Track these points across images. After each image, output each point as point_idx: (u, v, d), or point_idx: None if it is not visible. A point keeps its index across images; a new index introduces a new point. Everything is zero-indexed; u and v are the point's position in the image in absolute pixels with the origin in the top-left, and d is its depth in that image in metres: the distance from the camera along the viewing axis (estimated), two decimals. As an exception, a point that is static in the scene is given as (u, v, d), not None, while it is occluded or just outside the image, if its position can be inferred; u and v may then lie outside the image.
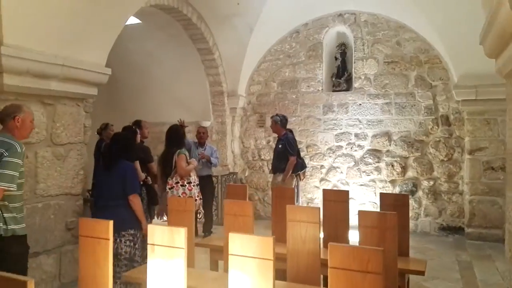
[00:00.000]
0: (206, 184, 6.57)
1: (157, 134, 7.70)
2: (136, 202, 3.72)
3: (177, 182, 4.60)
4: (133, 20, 6.89)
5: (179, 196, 4.54)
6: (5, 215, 2.91)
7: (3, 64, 3.44)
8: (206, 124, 8.33)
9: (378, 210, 7.26)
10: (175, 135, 4.87)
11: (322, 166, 7.72)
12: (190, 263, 3.44)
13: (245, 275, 2.08)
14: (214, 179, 7.49)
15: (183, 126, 5.42)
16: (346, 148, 7.53)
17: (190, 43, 7.50)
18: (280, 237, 3.29)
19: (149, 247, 2.38)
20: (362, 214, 2.93)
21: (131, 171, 3.82)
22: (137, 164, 4.67)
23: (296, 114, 7.95)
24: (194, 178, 4.75)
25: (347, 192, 4.22)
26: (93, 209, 4.19)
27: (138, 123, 5.48)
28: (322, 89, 7.77)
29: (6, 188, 2.80)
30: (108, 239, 2.50)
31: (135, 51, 7.89)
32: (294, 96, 7.99)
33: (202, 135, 6.79)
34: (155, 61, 7.97)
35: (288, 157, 6.03)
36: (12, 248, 2.95)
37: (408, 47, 7.06)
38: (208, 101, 8.23)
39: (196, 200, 4.60)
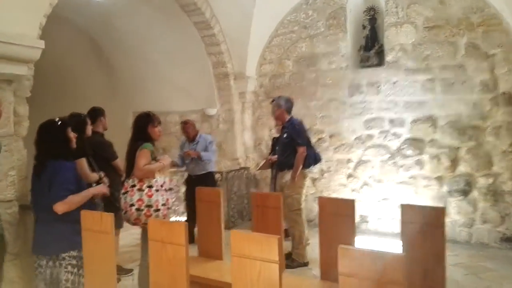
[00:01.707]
0: (204, 184, 5.52)
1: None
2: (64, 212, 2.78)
3: (133, 185, 3.48)
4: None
5: (132, 204, 3.43)
6: None
7: None
8: (212, 112, 7.28)
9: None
10: (139, 125, 3.73)
11: (349, 160, 6.49)
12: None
13: None
14: (218, 175, 6.49)
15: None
16: (378, 138, 6.25)
17: (184, 16, 6.41)
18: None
19: None
20: (343, 252, 1.75)
21: (62, 172, 2.85)
22: (82, 162, 3.69)
23: (316, 97, 6.72)
24: (162, 180, 3.64)
25: (352, 202, 3.00)
26: None
27: (95, 111, 4.52)
28: (347, 66, 6.47)
29: None
30: None
31: (124, 30, 6.86)
32: (313, 76, 6.74)
33: (186, 130, 5.76)
34: (146, 40, 6.90)
35: (296, 149, 4.85)
36: None
37: (455, 6, 5.60)
38: (212, 85, 7.14)
39: (158, 209, 3.48)
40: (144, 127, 3.67)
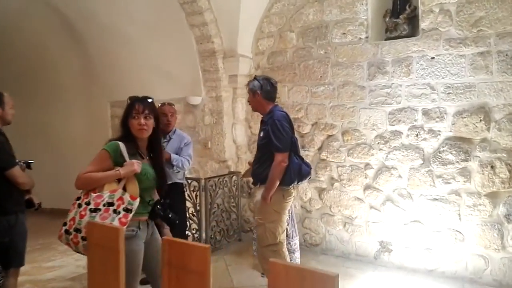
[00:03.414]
0: (170, 198, 4.17)
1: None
2: None
3: (79, 198, 2.53)
4: None
5: (65, 223, 2.44)
6: None
7: None
8: (196, 101, 5.98)
9: (463, 244, 4.40)
10: (122, 118, 2.81)
11: (367, 165, 4.95)
12: None
13: None
14: (195, 183, 5.23)
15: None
16: (408, 136, 4.68)
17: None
18: None
19: None
20: None
21: None
22: None
23: (326, 81, 5.23)
24: (116, 196, 2.44)
25: (332, 280, 1.35)
26: None
27: None
28: (367, 37, 4.94)
29: None
30: None
31: (96, 1, 5.77)
32: (322, 52, 5.26)
33: (168, 121, 4.30)
34: (119, 11, 5.77)
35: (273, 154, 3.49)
36: None
37: None
38: (197, 66, 5.84)
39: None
40: (123, 119, 2.72)
